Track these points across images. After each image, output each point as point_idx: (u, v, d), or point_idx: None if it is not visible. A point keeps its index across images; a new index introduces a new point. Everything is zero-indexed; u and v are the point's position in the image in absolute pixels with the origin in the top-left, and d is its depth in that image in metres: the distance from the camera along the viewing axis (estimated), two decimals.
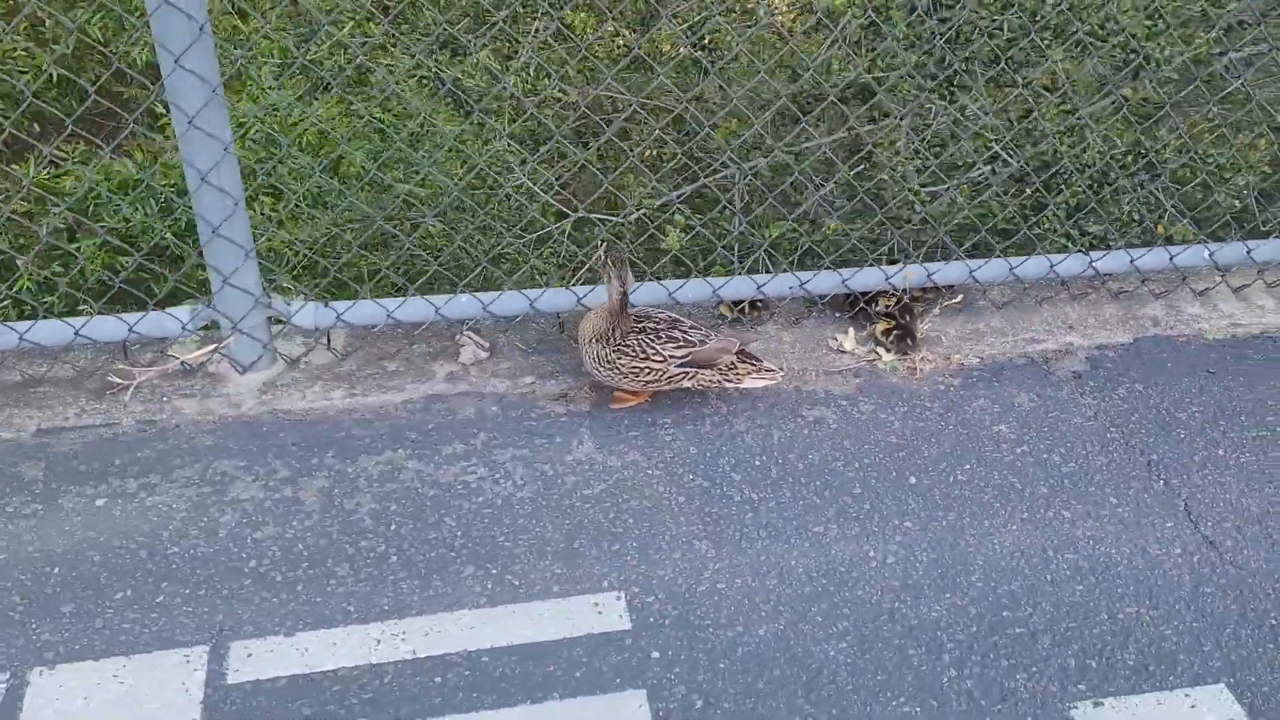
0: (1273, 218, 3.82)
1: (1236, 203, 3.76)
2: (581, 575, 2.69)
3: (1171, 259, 3.64)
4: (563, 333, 3.45)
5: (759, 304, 3.53)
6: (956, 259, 3.64)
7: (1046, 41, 3.69)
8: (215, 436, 3.01)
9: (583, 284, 3.38)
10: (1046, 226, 3.79)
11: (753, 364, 2.99)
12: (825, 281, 3.48)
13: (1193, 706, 2.47)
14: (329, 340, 3.29)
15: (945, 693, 2.48)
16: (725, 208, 3.77)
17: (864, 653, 2.56)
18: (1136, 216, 3.76)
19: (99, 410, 3.06)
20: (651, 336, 3.01)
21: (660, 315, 3.07)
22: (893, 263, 3.62)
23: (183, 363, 3.16)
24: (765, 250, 3.63)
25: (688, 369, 3.01)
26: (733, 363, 2.98)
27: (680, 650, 2.53)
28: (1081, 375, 3.43)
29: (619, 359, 2.96)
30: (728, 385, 3.03)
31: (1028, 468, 3.06)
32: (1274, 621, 2.66)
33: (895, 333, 3.49)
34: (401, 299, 3.19)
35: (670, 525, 2.85)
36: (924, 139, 3.90)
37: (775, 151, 3.77)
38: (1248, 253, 3.71)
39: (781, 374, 2.86)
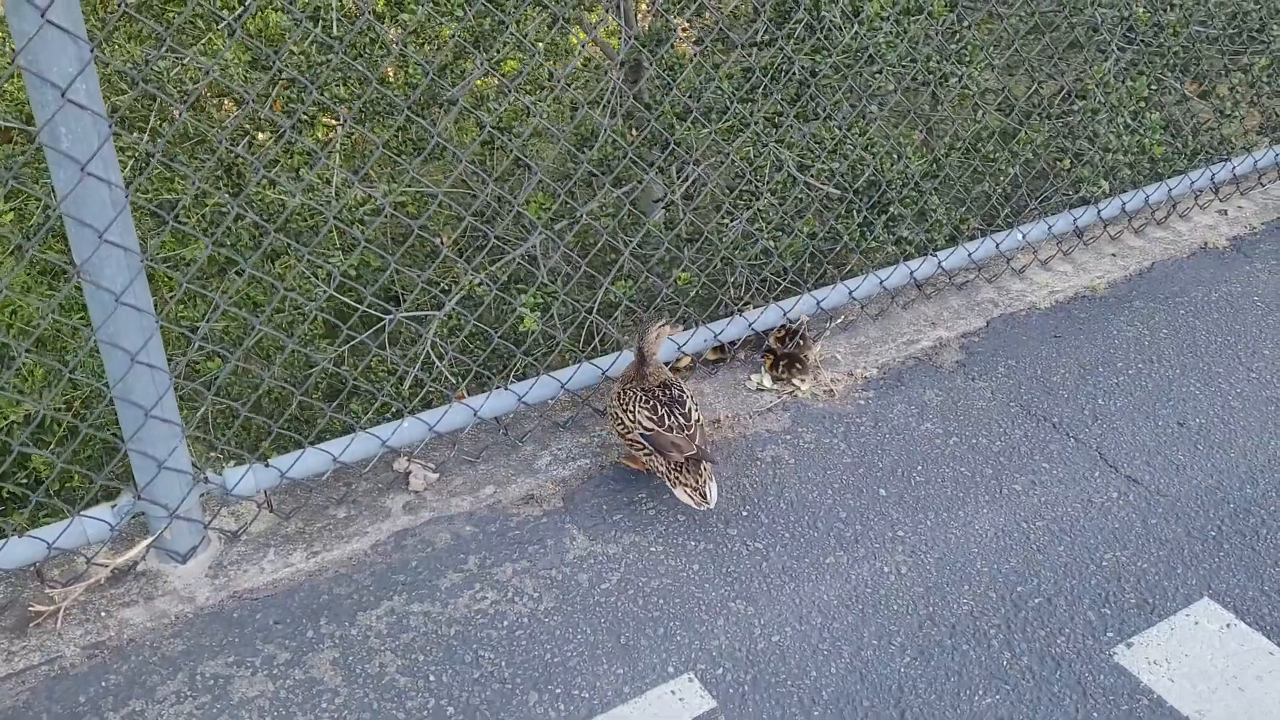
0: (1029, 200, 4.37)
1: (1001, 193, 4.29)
2: (645, 669, 2.58)
3: (970, 255, 4.06)
4: (505, 434, 3.30)
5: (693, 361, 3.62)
6: (821, 286, 3.84)
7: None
8: (184, 639, 2.60)
9: (521, 379, 3.27)
10: (872, 240, 4.09)
11: (694, 479, 2.92)
12: (734, 328, 3.59)
13: (1196, 624, 2.74)
14: (270, 503, 2.94)
15: (1011, 674, 2.60)
16: (544, 285, 3.77)
17: (928, 661, 2.63)
18: (943, 219, 4.14)
19: (32, 648, 2.54)
20: (649, 397, 3.00)
21: (680, 387, 3.05)
22: (747, 303, 3.81)
23: (113, 570, 2.70)
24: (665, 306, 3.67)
25: (647, 443, 2.97)
26: (680, 464, 2.92)
27: (773, 711, 2.49)
28: (964, 363, 3.72)
29: (613, 403, 3.02)
30: (667, 483, 2.97)
31: (966, 455, 3.28)
32: (1214, 532, 3.01)
33: (782, 363, 3.62)
34: (347, 438, 2.93)
35: (699, 594, 2.79)
36: (738, 179, 4.12)
37: (585, 214, 3.80)
38: (1022, 237, 4.19)
39: (710, 507, 2.83)
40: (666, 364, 3.52)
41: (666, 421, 2.96)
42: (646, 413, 2.99)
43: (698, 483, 2.89)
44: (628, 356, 3.41)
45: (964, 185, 4.18)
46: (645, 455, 2.98)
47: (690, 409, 2.99)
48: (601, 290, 3.75)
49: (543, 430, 3.36)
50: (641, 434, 2.96)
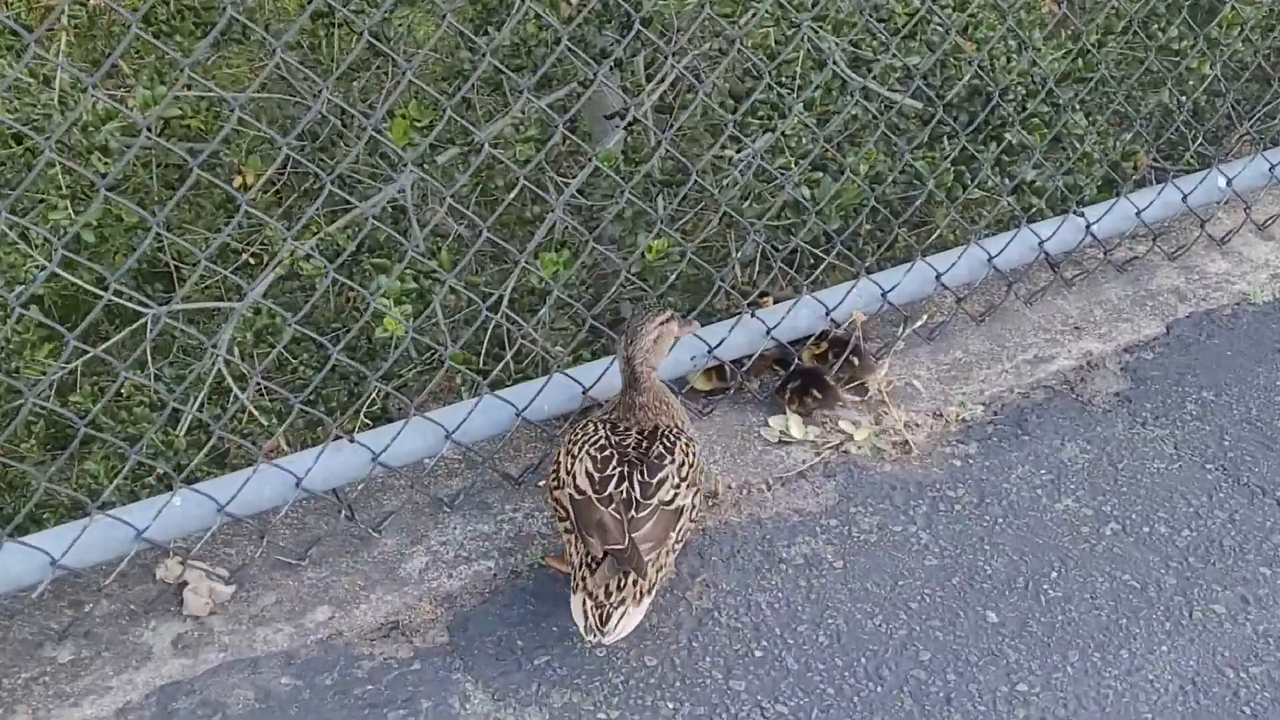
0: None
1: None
2: None
3: (1139, 212, 4.12)
4: (351, 518, 3.29)
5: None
6: (887, 264, 3.85)
7: None
8: None
9: (379, 420, 3.27)
10: (974, 187, 4.10)
11: (600, 589, 2.92)
12: (742, 337, 3.60)
13: None
14: None
15: None
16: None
17: None
18: (1093, 152, 4.16)
19: None
20: (615, 443, 3.08)
21: (676, 438, 3.11)
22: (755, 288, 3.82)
23: None
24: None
25: (570, 514, 2.99)
26: (590, 565, 2.94)
27: None
28: (1128, 396, 3.76)
29: (564, 441, 3.15)
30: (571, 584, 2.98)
31: (1133, 553, 3.31)
32: None
33: (820, 395, 3.63)
34: (76, 524, 2.93)
35: None
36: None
37: (488, 140, 3.77)
38: (1226, 183, 4.25)
39: (602, 642, 2.81)
40: (686, 389, 3.60)
41: (611, 489, 2.99)
42: (591, 466, 3.03)
43: (600, 598, 2.92)
44: (595, 374, 3.44)
45: (1128, 95, 4.20)
46: (566, 531, 3.03)
47: (668, 477, 3.00)
48: (516, 269, 3.73)
49: (415, 512, 3.33)
50: (570, 498, 3.01)
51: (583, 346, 3.95)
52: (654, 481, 3.00)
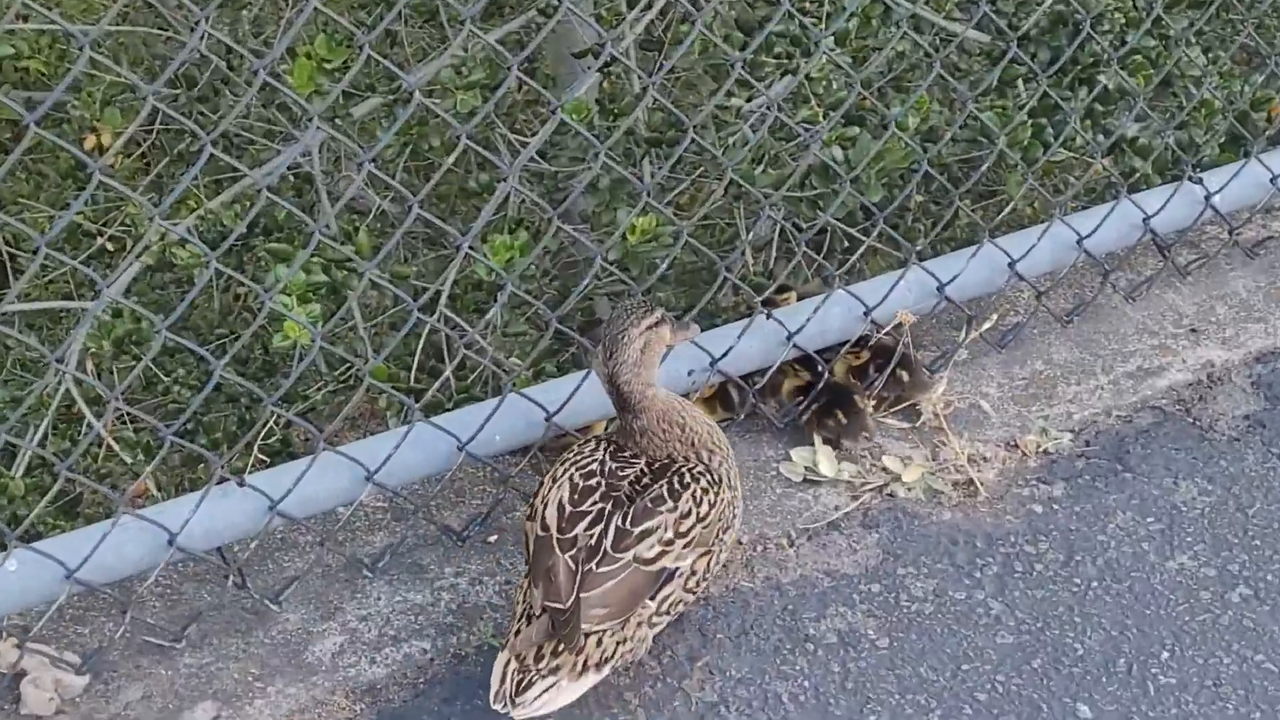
0: None
1: None
2: None
3: (1275, 177, 4.12)
4: (242, 586, 3.28)
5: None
6: (944, 249, 3.84)
7: None
8: None
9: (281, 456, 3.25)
10: (1061, 143, 4.09)
11: (531, 660, 2.95)
12: (754, 346, 3.60)
13: None
14: None
15: None
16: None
17: None
18: (1214, 97, 4.17)
19: None
20: (610, 473, 3.09)
21: (695, 477, 3.10)
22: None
23: None
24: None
25: (530, 567, 3.06)
26: (528, 619, 2.99)
27: None
28: (1261, 421, 3.76)
29: (568, 450, 3.21)
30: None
31: (1268, 625, 3.31)
32: None
33: (856, 420, 3.64)
34: None
35: None
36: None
37: (417, 88, 3.75)
38: None
39: (509, 714, 2.87)
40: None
41: (579, 529, 3.01)
42: (568, 496, 3.05)
43: (527, 661, 2.95)
44: (562, 394, 3.44)
45: (1259, 25, 4.18)
46: (524, 575, 3.07)
47: (657, 529, 2.99)
48: (457, 256, 3.72)
49: (326, 578, 3.34)
50: (536, 533, 3.06)
51: (546, 357, 3.94)
52: (635, 531, 3.00)
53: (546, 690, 2.90)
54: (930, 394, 3.69)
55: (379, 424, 3.61)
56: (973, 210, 3.92)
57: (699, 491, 3.09)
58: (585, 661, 2.94)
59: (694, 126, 3.60)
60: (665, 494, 3.04)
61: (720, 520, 3.12)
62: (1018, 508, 3.53)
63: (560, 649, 2.93)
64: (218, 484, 3.19)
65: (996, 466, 3.62)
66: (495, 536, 3.32)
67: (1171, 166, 4.07)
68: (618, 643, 2.98)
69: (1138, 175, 4.04)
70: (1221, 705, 3.15)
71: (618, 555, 2.97)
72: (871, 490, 3.56)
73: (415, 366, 4.13)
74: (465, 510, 3.51)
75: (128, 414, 3.84)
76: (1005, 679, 3.20)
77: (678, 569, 3.03)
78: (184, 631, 3.21)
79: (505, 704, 2.90)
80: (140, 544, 3.12)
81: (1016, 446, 3.67)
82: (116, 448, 3.85)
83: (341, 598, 3.31)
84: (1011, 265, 3.85)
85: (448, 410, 3.44)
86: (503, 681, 2.92)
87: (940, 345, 3.89)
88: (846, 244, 3.89)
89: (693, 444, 3.16)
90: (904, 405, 3.68)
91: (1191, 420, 3.76)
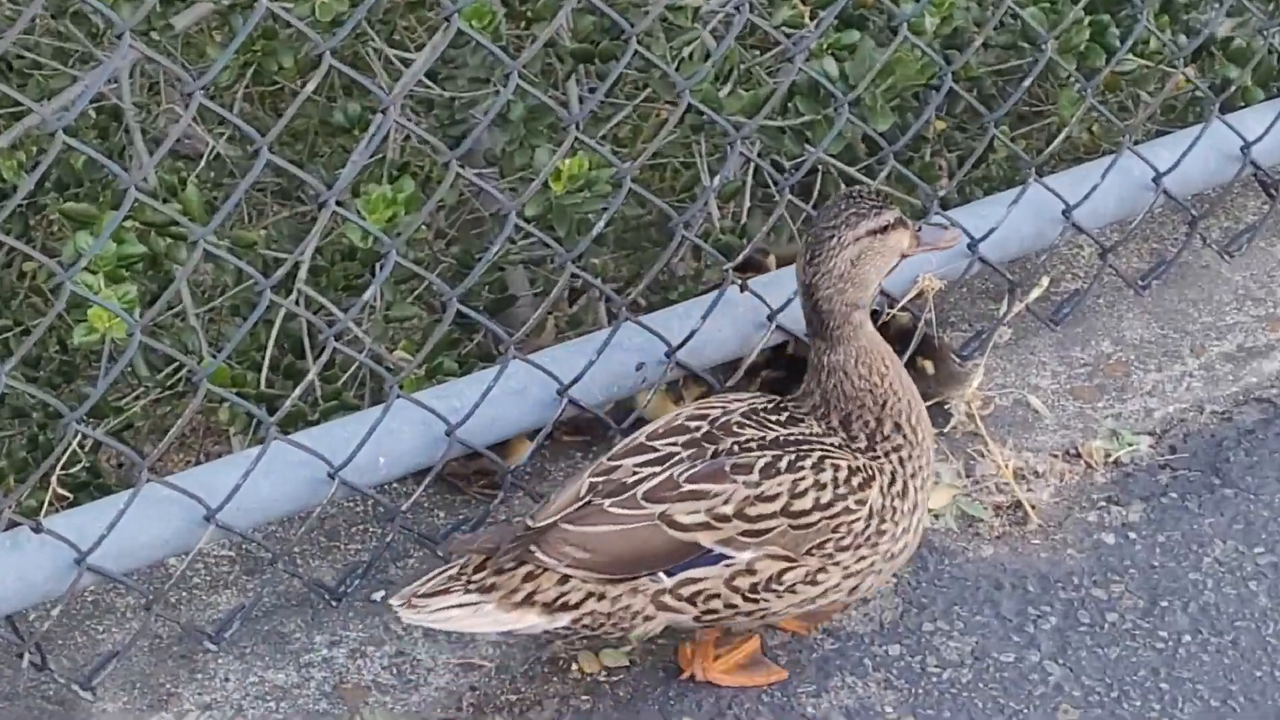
0: None
1: None
2: None
3: None
4: (42, 667, 3.28)
5: None
6: (977, 191, 3.86)
7: None
8: None
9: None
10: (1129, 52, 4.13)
11: (471, 571, 3.07)
12: (720, 328, 3.61)
13: None
14: None
15: None
16: None
17: None
18: None
19: None
20: (707, 418, 3.16)
21: (851, 476, 3.11)
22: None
23: None
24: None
25: None
26: (469, 550, 3.11)
27: None
28: None
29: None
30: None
31: None
32: None
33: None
34: None
35: None
36: None
37: None
38: None
39: (395, 613, 2.95)
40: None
41: (633, 462, 3.10)
42: (657, 428, 3.15)
43: (468, 569, 3.05)
44: (470, 397, 3.47)
45: None
46: None
47: (721, 496, 3.06)
48: (322, 216, 3.71)
49: (155, 653, 3.34)
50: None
51: (443, 349, 3.92)
52: (685, 487, 3.07)
53: (460, 606, 2.99)
54: (963, 389, 3.69)
55: (220, 444, 3.60)
56: (1013, 140, 3.92)
57: (815, 481, 3.10)
58: (532, 595, 3.00)
59: (637, 33, 3.62)
60: (763, 464, 3.07)
61: (835, 531, 3.10)
62: (1082, 538, 3.54)
63: (506, 568, 3.00)
64: (4, 531, 3.19)
65: (1052, 483, 3.63)
66: (382, 592, 3.33)
67: (1278, 77, 4.09)
68: (595, 599, 3.03)
69: (1233, 89, 4.05)
70: None
71: (643, 503, 3.03)
72: None
73: (267, 366, 4.11)
74: (340, 558, 3.52)
75: None
76: None
77: (724, 556, 3.06)
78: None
79: (404, 602, 3.00)
80: None
81: (1078, 456, 3.68)
82: None
83: (176, 679, 3.31)
84: (1066, 213, 3.86)
85: (312, 424, 3.42)
86: (424, 582, 3.03)
87: (975, 322, 3.90)
88: (844, 188, 3.89)
89: (883, 408, 3.17)
90: (929, 405, 3.68)
91: None
